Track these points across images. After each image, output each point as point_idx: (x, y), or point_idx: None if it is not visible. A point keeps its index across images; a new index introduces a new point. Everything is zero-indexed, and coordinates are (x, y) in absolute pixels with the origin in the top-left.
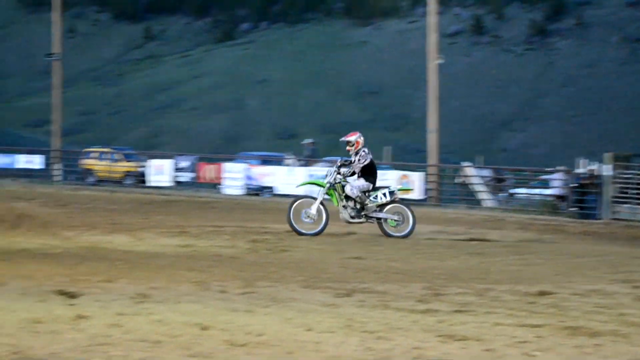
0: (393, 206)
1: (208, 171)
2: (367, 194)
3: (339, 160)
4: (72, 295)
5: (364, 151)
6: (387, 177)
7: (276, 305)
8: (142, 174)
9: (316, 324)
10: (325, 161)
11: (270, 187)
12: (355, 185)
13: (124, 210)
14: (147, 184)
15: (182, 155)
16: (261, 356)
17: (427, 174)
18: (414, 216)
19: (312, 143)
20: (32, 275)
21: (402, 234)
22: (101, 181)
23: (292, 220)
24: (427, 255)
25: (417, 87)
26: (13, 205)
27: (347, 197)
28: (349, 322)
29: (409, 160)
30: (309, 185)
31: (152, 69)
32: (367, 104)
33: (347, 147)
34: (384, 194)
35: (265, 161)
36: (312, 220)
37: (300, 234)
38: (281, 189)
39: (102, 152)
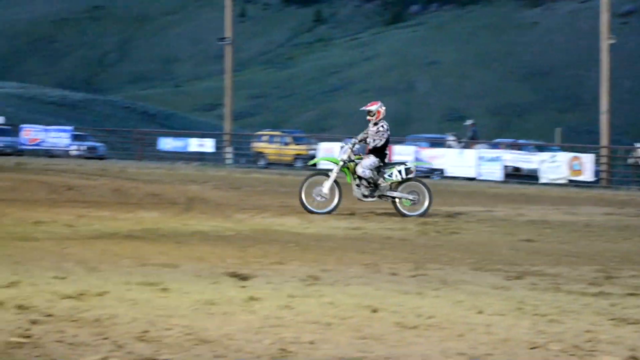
0: (409, 184)
1: None
2: (380, 171)
3: (355, 138)
4: (244, 277)
5: (382, 126)
6: (558, 160)
7: (446, 288)
8: (312, 157)
9: (487, 307)
10: (488, 142)
11: (440, 170)
12: (365, 164)
13: (295, 193)
14: (317, 167)
15: (352, 138)
16: (432, 338)
17: (598, 156)
18: (430, 194)
19: (473, 124)
20: (205, 258)
21: (417, 213)
22: (272, 164)
23: (303, 198)
24: (599, 238)
25: (589, 67)
26: (186, 188)
27: (360, 177)
28: (520, 304)
29: (580, 141)
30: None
31: (322, 52)
32: (537, 85)
33: (368, 117)
34: (399, 171)
35: (434, 143)
36: (325, 199)
37: (310, 212)
38: (451, 171)
39: (273, 135)
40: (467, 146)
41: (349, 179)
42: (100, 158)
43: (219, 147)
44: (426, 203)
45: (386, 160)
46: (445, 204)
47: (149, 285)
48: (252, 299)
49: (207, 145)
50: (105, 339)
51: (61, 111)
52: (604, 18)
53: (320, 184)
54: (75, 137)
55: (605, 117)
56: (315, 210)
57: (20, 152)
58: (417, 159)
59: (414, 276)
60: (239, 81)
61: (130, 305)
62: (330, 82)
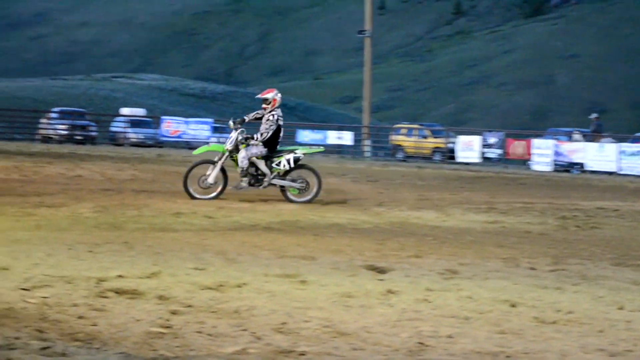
0: (298, 171)
1: (516, 147)
2: (269, 159)
3: (246, 116)
4: (381, 271)
5: (272, 115)
6: None
7: (586, 283)
8: (451, 150)
9: (628, 303)
10: (613, 136)
11: (580, 164)
12: (249, 152)
13: (432, 186)
14: (455, 160)
15: (490, 131)
16: (571, 334)
17: None
18: (319, 180)
19: (597, 118)
20: (343, 250)
21: (305, 199)
22: (410, 157)
23: (187, 184)
24: None
25: None
26: (324, 181)
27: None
28: None
29: None
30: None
31: (461, 45)
32: None
33: (263, 106)
34: (288, 160)
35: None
36: (209, 186)
37: (193, 198)
38: (592, 166)
39: (411, 128)
40: (590, 140)
41: (236, 167)
42: None
43: (357, 139)
44: (314, 189)
45: (278, 148)
46: (585, 199)
47: (287, 277)
48: (389, 292)
49: (346, 137)
50: (244, 330)
51: (201, 103)
52: None
53: (206, 171)
54: (216, 129)
55: None
56: (198, 196)
57: (161, 144)
58: (307, 146)
59: (553, 271)
60: (377, 74)
61: (269, 296)
62: (469, 75)
